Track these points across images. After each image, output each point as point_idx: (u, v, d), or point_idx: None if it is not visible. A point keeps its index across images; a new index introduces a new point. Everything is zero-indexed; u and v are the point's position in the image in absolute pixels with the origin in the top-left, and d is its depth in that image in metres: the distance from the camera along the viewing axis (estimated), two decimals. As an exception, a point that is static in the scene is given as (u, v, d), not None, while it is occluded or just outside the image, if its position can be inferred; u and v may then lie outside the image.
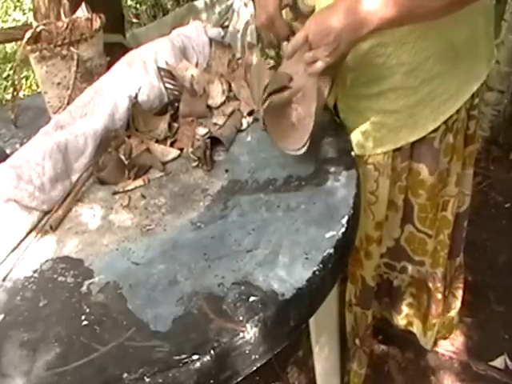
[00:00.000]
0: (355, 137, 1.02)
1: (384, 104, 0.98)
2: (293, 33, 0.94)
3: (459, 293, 1.42)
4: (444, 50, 0.93)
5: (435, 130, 1.01)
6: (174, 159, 0.97)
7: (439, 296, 1.30)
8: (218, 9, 2.68)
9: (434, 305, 1.31)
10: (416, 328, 1.40)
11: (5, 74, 3.61)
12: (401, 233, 1.19)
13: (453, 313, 1.45)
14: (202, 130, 1.02)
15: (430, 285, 1.28)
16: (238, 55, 1.22)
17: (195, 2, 2.75)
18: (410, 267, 1.25)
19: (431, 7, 0.77)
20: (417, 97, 0.96)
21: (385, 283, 1.31)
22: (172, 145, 1.01)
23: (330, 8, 0.80)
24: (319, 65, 0.83)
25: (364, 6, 0.76)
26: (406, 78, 0.94)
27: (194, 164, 0.94)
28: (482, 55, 1.01)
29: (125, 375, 0.58)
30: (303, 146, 0.88)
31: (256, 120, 1.06)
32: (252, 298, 0.66)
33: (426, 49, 0.92)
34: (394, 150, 1.04)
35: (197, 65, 1.19)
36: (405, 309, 1.36)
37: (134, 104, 1.02)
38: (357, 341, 1.33)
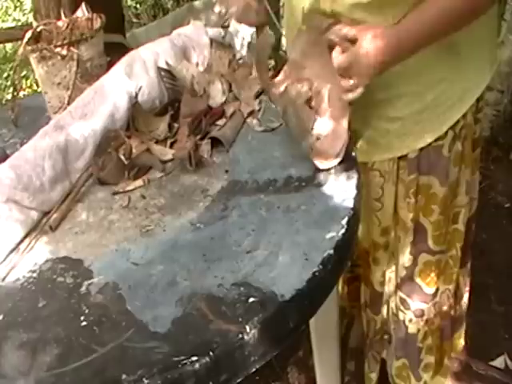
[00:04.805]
0: (360, 143, 1.01)
1: (389, 111, 0.97)
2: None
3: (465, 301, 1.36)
4: (447, 56, 0.92)
5: (442, 137, 1.00)
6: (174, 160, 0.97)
7: (452, 313, 1.26)
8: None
9: (448, 332, 1.27)
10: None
11: (5, 74, 3.61)
12: (413, 263, 1.12)
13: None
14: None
15: (445, 307, 1.22)
16: (238, 55, 1.22)
17: (195, 2, 2.74)
18: (425, 309, 1.18)
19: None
20: (422, 103, 0.96)
21: (401, 332, 1.21)
22: (172, 145, 1.01)
23: (375, 39, 0.81)
24: (358, 91, 0.85)
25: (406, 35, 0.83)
26: (410, 85, 0.94)
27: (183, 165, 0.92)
28: (485, 60, 1.00)
29: (123, 376, 0.58)
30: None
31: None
32: (251, 299, 0.65)
33: (429, 54, 0.91)
34: (400, 158, 1.02)
35: (197, 65, 1.19)
36: (421, 372, 1.27)
37: (134, 104, 1.02)
38: (368, 341, 1.32)
